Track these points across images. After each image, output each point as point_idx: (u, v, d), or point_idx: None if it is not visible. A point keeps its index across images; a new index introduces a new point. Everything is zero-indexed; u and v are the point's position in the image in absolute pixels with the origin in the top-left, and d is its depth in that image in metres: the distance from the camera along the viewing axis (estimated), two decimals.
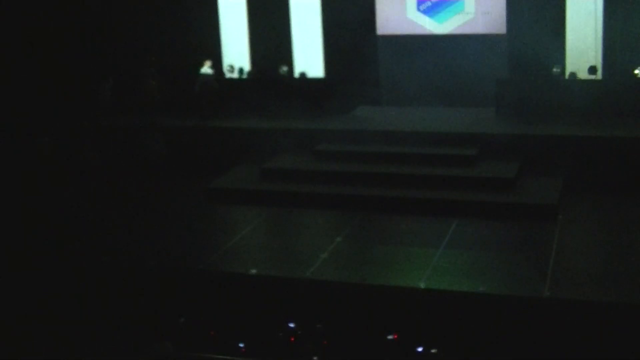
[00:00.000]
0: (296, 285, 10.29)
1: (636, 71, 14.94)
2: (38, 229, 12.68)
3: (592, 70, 15.08)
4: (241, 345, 9.59)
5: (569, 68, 15.46)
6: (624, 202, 12.50)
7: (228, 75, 17.19)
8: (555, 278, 9.91)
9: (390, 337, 9.43)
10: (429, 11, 16.45)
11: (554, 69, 15.10)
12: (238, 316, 10.03)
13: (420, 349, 9.22)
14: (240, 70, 17.11)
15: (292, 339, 9.65)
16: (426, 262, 10.64)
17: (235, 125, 15.67)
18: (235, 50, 17.66)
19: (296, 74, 16.91)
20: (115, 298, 10.58)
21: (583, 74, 15.15)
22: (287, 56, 17.17)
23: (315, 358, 9.21)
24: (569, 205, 12.47)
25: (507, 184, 12.84)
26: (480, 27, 16.19)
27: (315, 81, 16.63)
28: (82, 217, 13.14)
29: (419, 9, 16.52)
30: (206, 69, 16.38)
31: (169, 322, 9.95)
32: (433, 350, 9.18)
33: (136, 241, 11.97)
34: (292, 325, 9.78)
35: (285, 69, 16.65)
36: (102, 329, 9.82)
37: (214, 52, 17.44)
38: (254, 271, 10.62)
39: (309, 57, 17.18)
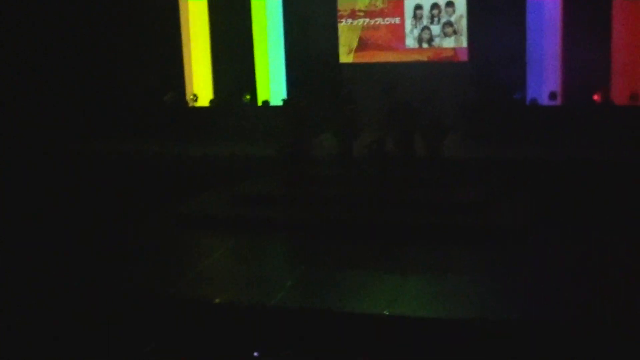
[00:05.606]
0: (262, 313, 10.07)
1: None
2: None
3: (553, 96, 15.28)
4: None
5: (530, 94, 15.67)
6: (591, 223, 12.54)
7: (191, 104, 17.15)
8: (524, 301, 9.84)
9: None
10: None
11: (516, 95, 15.29)
12: (207, 343, 9.77)
13: None
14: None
15: None
16: (392, 287, 10.49)
17: (205, 151, 15.67)
18: (199, 80, 17.64)
19: (259, 102, 16.90)
20: (83, 323, 10.24)
21: (544, 100, 15.37)
22: (250, 85, 17.18)
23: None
24: (537, 228, 12.47)
25: (474, 207, 12.82)
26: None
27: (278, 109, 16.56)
28: (50, 241, 12.83)
29: None
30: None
31: (137, 348, 9.65)
32: None
33: (104, 265, 11.70)
34: (256, 354, 9.54)
35: (248, 97, 16.64)
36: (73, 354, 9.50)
37: (177, 83, 17.43)
38: (218, 300, 10.39)
39: (272, 85, 17.20)
